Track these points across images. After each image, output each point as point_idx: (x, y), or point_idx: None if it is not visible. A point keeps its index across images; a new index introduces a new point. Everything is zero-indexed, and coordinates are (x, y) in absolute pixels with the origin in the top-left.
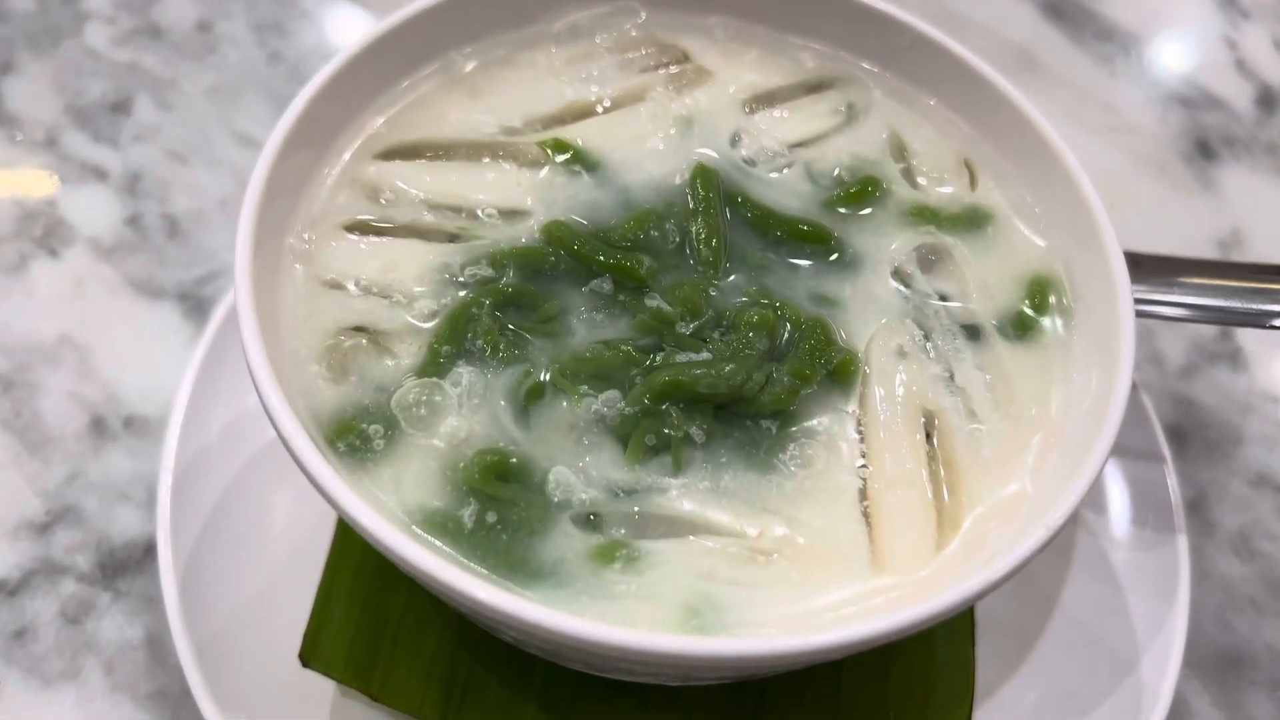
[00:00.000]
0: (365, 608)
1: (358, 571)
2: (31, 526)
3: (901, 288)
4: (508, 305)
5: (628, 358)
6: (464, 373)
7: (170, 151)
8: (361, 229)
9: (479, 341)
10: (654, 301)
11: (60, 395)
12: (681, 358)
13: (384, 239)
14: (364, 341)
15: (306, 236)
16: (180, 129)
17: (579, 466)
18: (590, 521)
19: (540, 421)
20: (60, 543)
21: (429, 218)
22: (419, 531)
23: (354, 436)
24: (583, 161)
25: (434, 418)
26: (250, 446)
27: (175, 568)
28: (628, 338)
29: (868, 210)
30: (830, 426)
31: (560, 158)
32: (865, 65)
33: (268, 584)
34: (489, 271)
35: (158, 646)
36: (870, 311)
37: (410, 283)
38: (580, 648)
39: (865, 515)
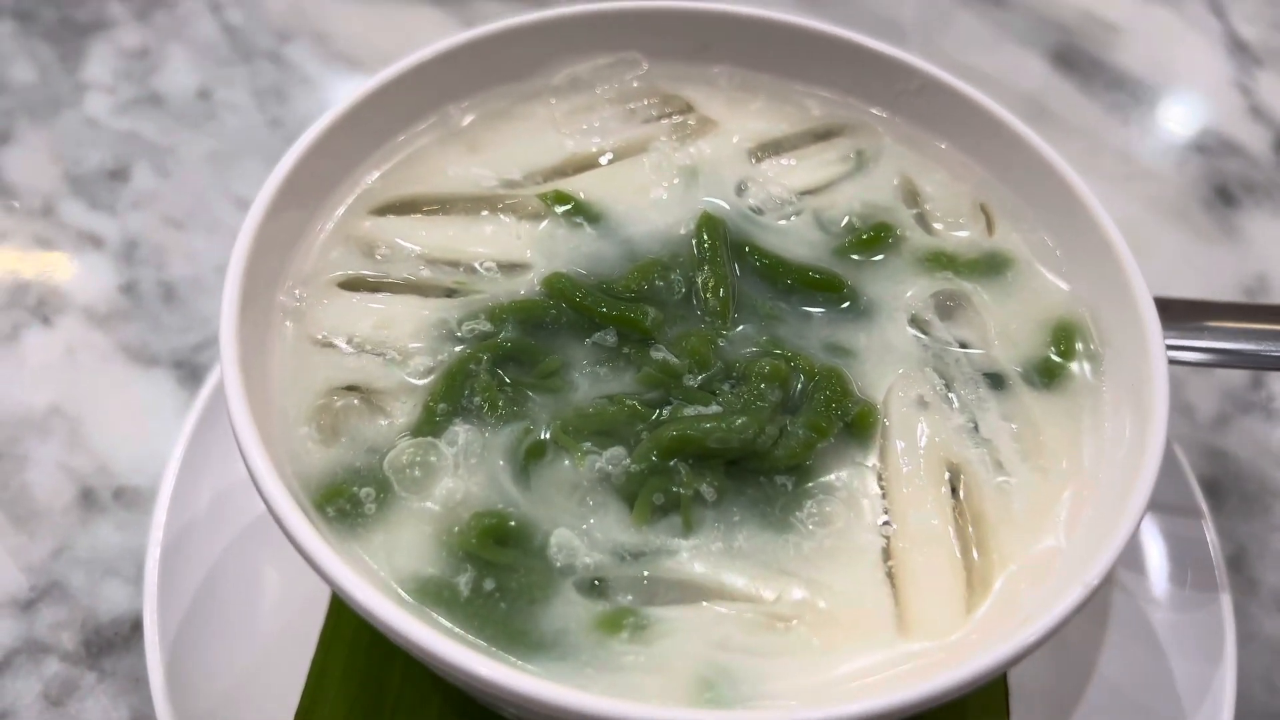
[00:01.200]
0: (361, 683)
1: (353, 645)
2: (15, 603)
3: (920, 335)
4: (507, 361)
5: (633, 412)
6: (461, 431)
7: (168, 218)
8: (356, 285)
9: (477, 399)
10: (660, 353)
11: (49, 467)
12: (690, 411)
13: (379, 295)
14: (356, 401)
15: (298, 293)
16: (178, 195)
17: (582, 529)
18: (595, 588)
19: (541, 482)
20: (45, 620)
21: (426, 273)
22: (412, 601)
23: (344, 500)
24: (584, 213)
25: (429, 479)
26: (242, 518)
27: (162, 645)
28: (633, 392)
29: (881, 257)
30: (850, 482)
31: (561, 209)
32: (874, 111)
33: (259, 661)
34: (488, 326)
35: None
36: (888, 361)
37: (405, 339)
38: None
39: (890, 576)
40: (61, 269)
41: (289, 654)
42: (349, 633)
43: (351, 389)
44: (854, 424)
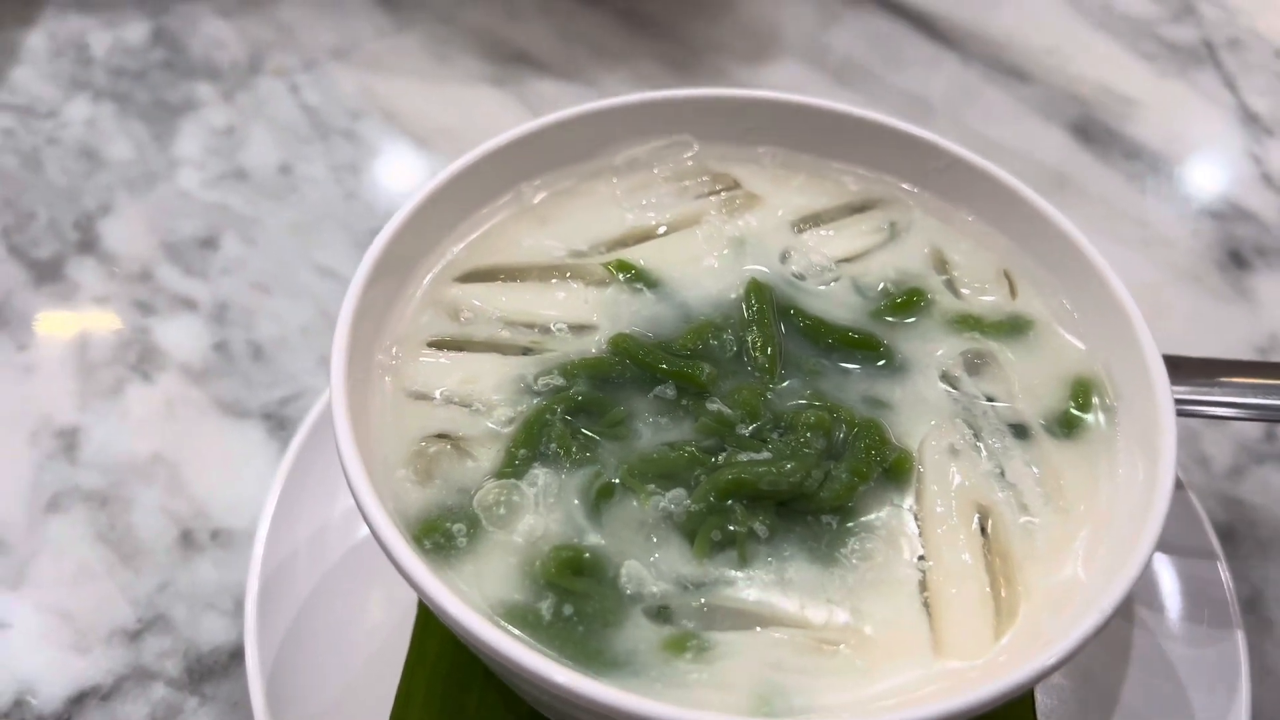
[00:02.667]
0: (442, 709)
1: (433, 673)
2: (124, 634)
3: (950, 390)
4: (579, 412)
5: (692, 458)
6: (540, 474)
7: (255, 283)
8: (443, 345)
9: (553, 445)
10: (715, 405)
11: (152, 510)
12: (743, 457)
13: (464, 354)
14: (447, 447)
15: (394, 352)
16: (264, 262)
17: (649, 561)
18: (661, 613)
19: (611, 519)
20: (151, 649)
21: (505, 334)
22: (502, 623)
23: (439, 535)
24: (644, 280)
25: (513, 516)
26: (330, 557)
27: (261, 671)
28: (691, 440)
29: (913, 319)
30: (889, 521)
31: (623, 276)
32: (905, 186)
33: (348, 688)
34: (561, 381)
35: None
36: (921, 413)
37: (489, 392)
38: None
39: (926, 605)
40: (160, 329)
41: (376, 680)
42: (430, 660)
43: (442, 436)
44: (892, 469)
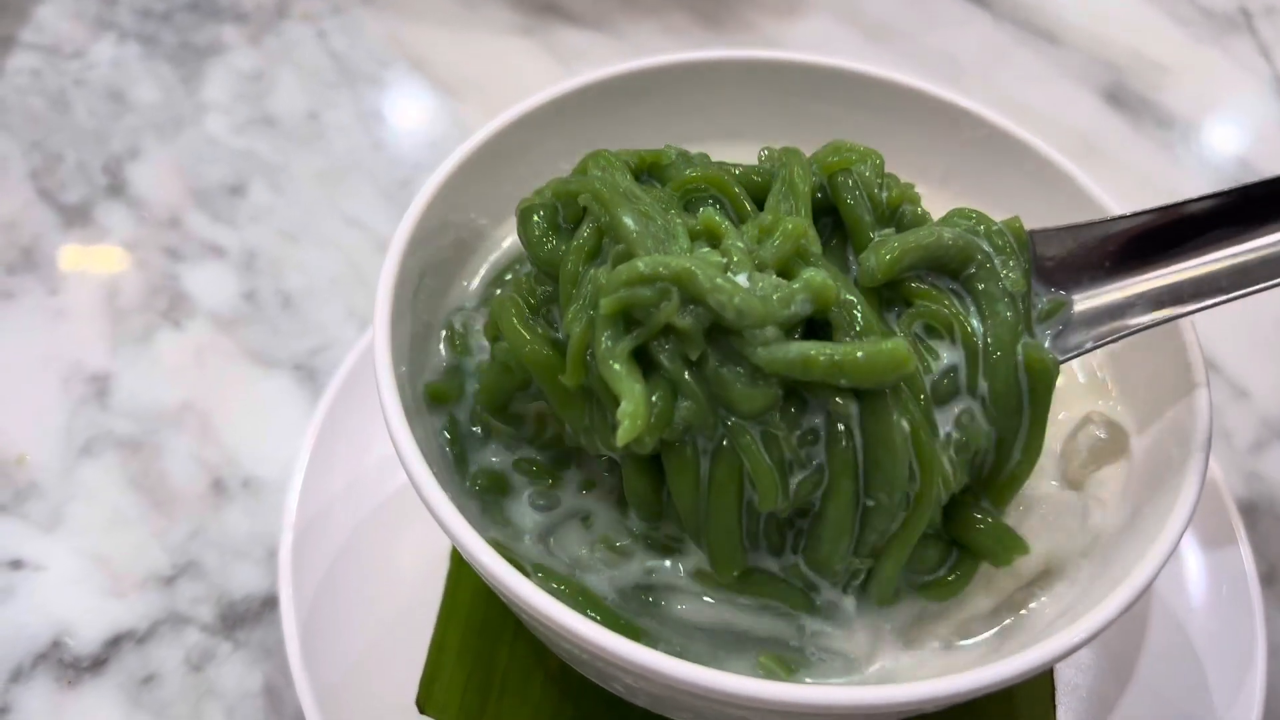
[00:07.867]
0: (475, 659)
1: (466, 625)
2: (158, 579)
3: None
4: None
5: None
6: None
7: (283, 232)
8: None
9: None
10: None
11: (184, 457)
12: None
13: None
14: None
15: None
16: (291, 211)
17: None
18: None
19: None
20: (184, 595)
21: None
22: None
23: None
24: None
25: None
26: (363, 508)
27: (296, 619)
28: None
29: None
30: None
31: None
32: None
33: (381, 636)
34: None
35: (274, 695)
36: None
37: None
38: (695, 694)
39: None
40: (189, 276)
41: (408, 630)
42: (463, 612)
43: None
44: None
